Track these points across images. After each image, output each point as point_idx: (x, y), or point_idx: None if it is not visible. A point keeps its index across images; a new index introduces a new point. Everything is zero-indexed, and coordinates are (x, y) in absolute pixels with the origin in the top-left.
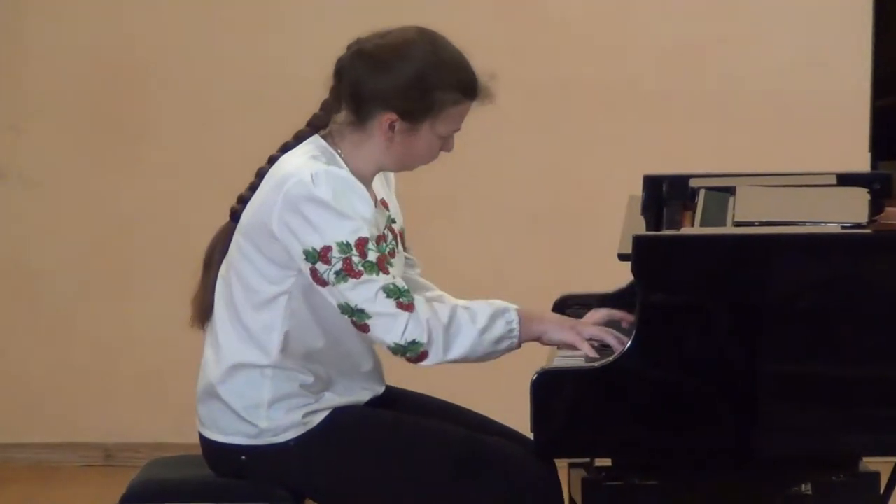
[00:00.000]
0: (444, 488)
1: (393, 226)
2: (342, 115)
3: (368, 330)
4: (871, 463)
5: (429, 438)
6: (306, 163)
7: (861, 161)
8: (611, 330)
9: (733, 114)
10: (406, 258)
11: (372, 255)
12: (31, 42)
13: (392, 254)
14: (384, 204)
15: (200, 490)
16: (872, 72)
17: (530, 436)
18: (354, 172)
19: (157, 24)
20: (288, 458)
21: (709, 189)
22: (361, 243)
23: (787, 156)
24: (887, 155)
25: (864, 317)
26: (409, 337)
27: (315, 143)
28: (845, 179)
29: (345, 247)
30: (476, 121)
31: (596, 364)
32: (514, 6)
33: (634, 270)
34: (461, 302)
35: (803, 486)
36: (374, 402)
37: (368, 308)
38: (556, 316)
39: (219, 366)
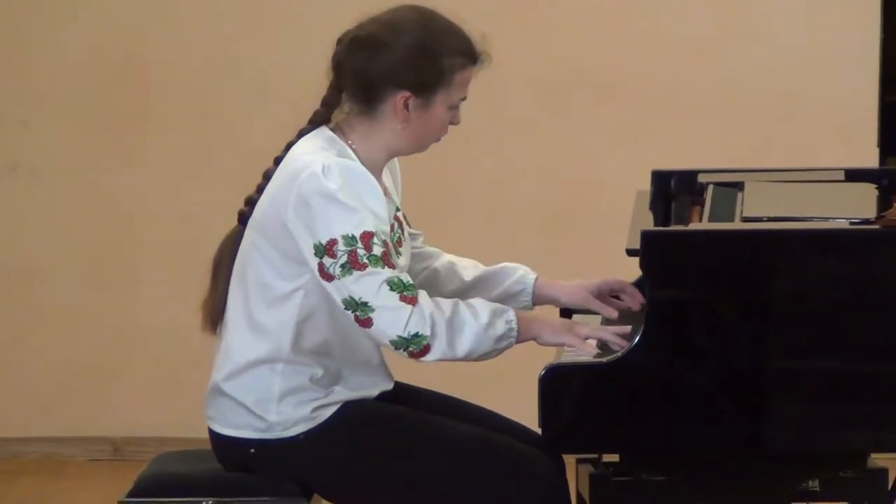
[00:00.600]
0: (452, 484)
1: (397, 213)
2: (348, 107)
3: (371, 324)
4: (878, 459)
5: (437, 434)
6: (318, 154)
7: (869, 157)
8: (607, 327)
9: (742, 109)
10: (411, 233)
11: (377, 249)
12: (38, 40)
13: (399, 242)
14: (388, 194)
15: (209, 484)
16: (881, 68)
17: (538, 431)
18: (365, 163)
19: (162, 21)
20: (297, 451)
21: (717, 185)
22: (366, 237)
23: (795, 151)
24: (895, 151)
25: (872, 313)
26: (412, 329)
27: (322, 134)
28: (853, 175)
29: (350, 240)
30: (482, 116)
31: (604, 360)
32: (522, 3)
33: (642, 266)
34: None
35: (811, 481)
36: (384, 399)
37: (372, 301)
38: (552, 318)
39: (230, 363)
